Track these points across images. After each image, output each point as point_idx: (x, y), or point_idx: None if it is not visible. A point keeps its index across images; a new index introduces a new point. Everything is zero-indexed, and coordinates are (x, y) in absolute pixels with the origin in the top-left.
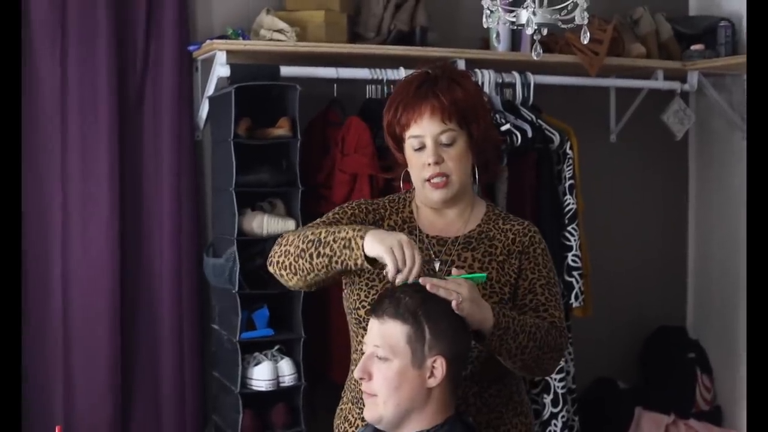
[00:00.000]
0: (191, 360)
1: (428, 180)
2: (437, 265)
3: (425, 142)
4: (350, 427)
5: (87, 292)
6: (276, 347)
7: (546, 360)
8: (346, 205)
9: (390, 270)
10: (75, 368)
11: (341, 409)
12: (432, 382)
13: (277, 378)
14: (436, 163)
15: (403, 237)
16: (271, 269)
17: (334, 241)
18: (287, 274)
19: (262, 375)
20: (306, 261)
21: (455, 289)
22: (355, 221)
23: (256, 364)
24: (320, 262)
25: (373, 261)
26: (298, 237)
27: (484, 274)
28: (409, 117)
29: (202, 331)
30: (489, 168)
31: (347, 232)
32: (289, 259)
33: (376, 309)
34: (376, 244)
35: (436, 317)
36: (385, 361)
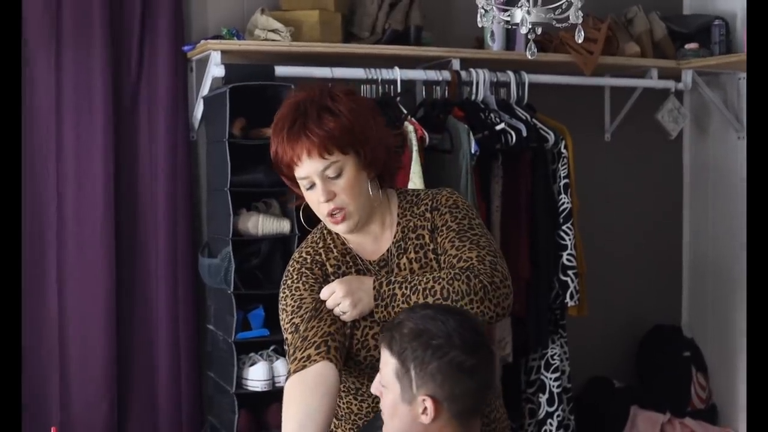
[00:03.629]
0: (187, 360)
1: (327, 216)
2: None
3: (313, 181)
4: None
5: (82, 293)
6: (271, 347)
7: (471, 308)
8: (293, 282)
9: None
10: (71, 369)
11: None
12: (425, 419)
13: (272, 378)
14: (328, 200)
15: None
16: None
17: None
18: None
19: (257, 375)
20: None
21: (337, 306)
22: (313, 285)
23: (252, 365)
24: None
25: None
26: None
27: None
28: (289, 160)
29: (198, 332)
30: (390, 169)
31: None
32: None
33: (383, 331)
34: None
35: (424, 358)
36: (384, 388)
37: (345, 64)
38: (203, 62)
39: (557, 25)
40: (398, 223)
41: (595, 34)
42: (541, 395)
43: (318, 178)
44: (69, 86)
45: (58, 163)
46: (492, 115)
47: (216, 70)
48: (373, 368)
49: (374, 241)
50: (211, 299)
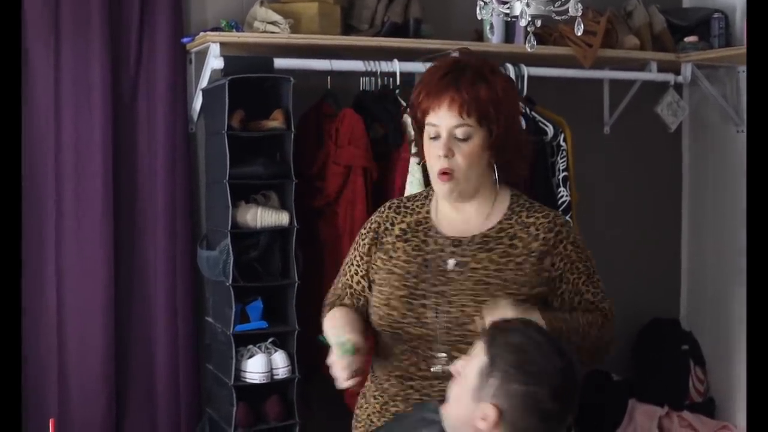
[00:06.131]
0: (185, 353)
1: (437, 174)
2: (451, 263)
3: (440, 132)
4: (365, 403)
5: (81, 286)
6: (270, 340)
7: (601, 354)
8: (359, 237)
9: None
10: (69, 361)
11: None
12: (481, 425)
13: (270, 370)
14: (446, 156)
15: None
16: None
17: None
18: None
19: (255, 368)
20: None
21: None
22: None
23: (250, 357)
24: None
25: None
26: None
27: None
28: (428, 104)
29: (196, 324)
30: (511, 170)
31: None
32: None
33: (492, 326)
34: None
35: (512, 375)
36: (461, 375)
37: (344, 57)
38: (202, 54)
39: (556, 17)
40: (500, 221)
41: (594, 27)
42: None
43: (445, 132)
44: (68, 80)
45: (56, 158)
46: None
47: (215, 62)
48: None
49: (463, 222)
50: (209, 292)
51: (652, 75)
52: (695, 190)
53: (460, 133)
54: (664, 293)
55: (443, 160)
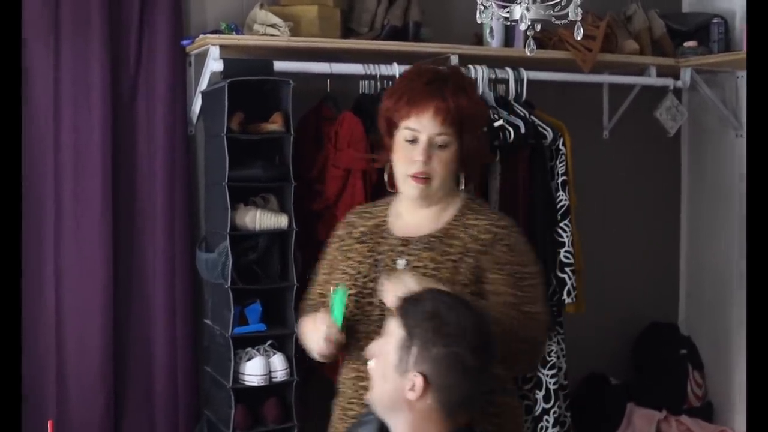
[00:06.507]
0: (184, 355)
1: (412, 175)
2: (401, 263)
3: (419, 138)
4: (335, 409)
5: (80, 287)
6: (268, 342)
7: (531, 352)
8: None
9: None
10: (68, 363)
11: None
12: (410, 396)
13: (269, 373)
14: (425, 161)
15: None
16: None
17: None
18: None
19: (254, 370)
20: None
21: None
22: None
23: (249, 359)
24: None
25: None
26: None
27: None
28: (411, 108)
29: (195, 326)
30: (471, 178)
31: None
32: None
33: (400, 301)
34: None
35: (431, 340)
36: (379, 355)
37: (344, 60)
38: (202, 57)
39: (556, 22)
40: (447, 223)
41: (594, 32)
42: (537, 392)
43: (425, 138)
44: (67, 81)
45: (56, 158)
46: (490, 111)
47: (214, 64)
48: None
49: (416, 225)
50: (208, 294)
51: (652, 79)
52: (694, 194)
53: (440, 140)
54: (662, 297)
55: (420, 165)
